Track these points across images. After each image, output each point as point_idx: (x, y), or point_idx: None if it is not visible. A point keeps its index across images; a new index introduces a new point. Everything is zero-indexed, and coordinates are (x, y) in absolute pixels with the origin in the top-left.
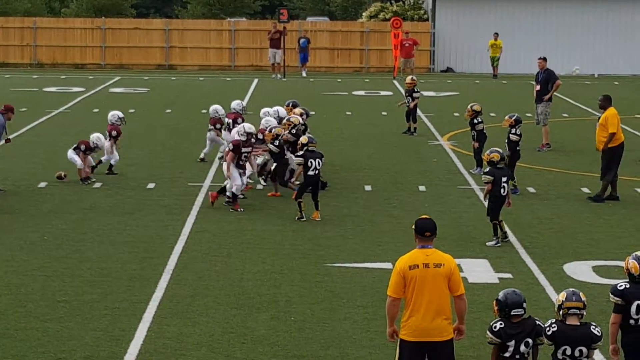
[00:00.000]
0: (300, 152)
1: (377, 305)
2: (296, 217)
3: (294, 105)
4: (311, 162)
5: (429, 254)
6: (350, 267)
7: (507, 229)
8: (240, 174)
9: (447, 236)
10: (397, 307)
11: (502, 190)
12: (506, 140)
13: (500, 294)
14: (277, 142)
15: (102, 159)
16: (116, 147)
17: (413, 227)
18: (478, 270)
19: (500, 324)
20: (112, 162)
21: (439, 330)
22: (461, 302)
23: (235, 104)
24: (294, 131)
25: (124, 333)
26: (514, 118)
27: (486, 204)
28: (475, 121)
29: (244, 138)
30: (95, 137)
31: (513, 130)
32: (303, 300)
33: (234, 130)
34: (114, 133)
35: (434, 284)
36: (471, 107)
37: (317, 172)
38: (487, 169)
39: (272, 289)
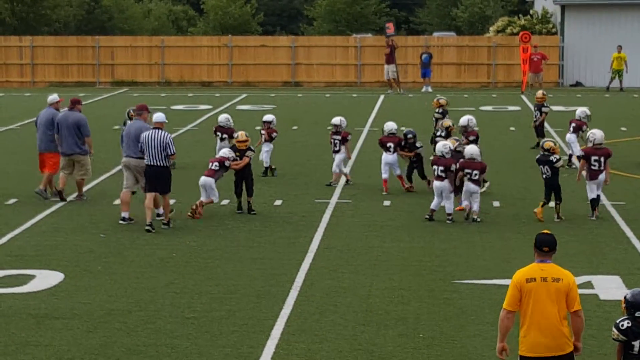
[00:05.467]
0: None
1: None
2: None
3: None
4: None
5: (545, 268)
6: (479, 283)
7: None
8: None
9: (578, 252)
10: (511, 320)
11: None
12: None
13: (629, 293)
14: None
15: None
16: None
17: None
18: (610, 287)
19: (628, 323)
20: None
21: (558, 345)
22: (578, 318)
23: (465, 120)
24: None
25: (253, 350)
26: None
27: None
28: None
29: None
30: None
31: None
32: (431, 317)
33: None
34: None
35: (551, 298)
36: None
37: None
38: None
39: (400, 306)
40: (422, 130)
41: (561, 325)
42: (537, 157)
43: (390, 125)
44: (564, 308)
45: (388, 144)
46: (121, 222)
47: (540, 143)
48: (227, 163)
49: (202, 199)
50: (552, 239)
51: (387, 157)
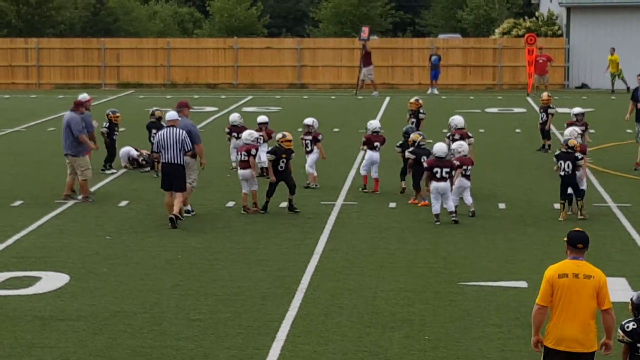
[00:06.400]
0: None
1: (511, 324)
2: None
3: None
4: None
5: (579, 265)
6: (485, 285)
7: None
8: None
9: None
10: (543, 315)
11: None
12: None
13: (635, 295)
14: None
15: None
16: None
17: (565, 239)
18: (616, 289)
19: (634, 325)
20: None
21: (583, 342)
22: (608, 316)
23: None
24: None
25: (258, 352)
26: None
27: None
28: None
29: None
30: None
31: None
32: (437, 319)
33: None
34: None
35: (581, 294)
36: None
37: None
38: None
39: (406, 308)
40: (426, 132)
41: (589, 322)
42: (557, 153)
43: (374, 124)
44: (594, 305)
45: (375, 143)
46: (186, 214)
47: (562, 141)
48: (253, 151)
49: (244, 190)
50: (585, 235)
51: (373, 155)
